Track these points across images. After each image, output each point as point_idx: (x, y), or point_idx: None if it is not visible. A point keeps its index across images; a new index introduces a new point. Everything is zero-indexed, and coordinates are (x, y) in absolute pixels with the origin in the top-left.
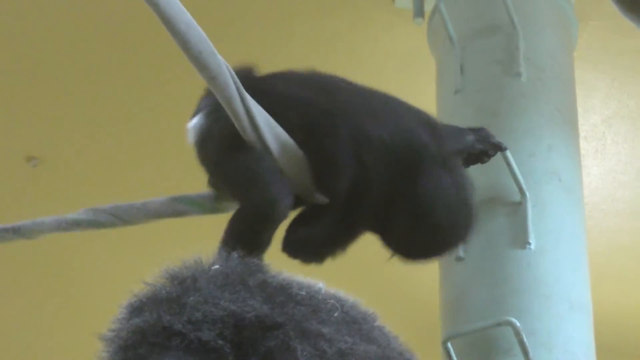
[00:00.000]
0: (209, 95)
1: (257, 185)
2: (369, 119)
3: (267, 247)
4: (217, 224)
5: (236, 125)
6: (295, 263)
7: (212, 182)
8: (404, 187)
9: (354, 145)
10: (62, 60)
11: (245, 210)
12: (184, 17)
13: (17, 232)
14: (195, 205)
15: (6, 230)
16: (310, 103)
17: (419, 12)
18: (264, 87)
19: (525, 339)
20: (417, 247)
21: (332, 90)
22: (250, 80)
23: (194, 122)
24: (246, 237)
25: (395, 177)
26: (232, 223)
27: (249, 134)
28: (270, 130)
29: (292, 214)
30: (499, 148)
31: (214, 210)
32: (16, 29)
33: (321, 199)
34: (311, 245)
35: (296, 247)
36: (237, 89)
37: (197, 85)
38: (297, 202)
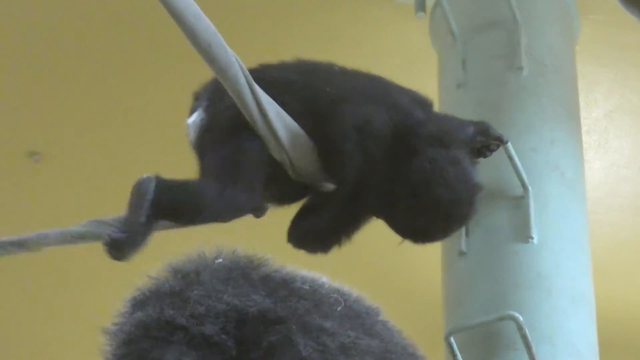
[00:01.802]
0: (204, 91)
1: (216, 179)
2: (368, 104)
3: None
4: (218, 228)
5: (246, 116)
6: (301, 254)
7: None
8: (401, 166)
9: (357, 131)
10: (65, 55)
11: (194, 192)
12: (193, 9)
13: (22, 246)
14: None
15: (12, 243)
16: (307, 87)
17: (420, 6)
18: (259, 75)
19: (527, 333)
20: (421, 228)
21: (327, 75)
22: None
23: (194, 118)
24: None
25: (395, 158)
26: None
27: (258, 125)
28: (280, 120)
29: (293, 208)
30: (500, 141)
31: None
32: (18, 25)
33: (328, 187)
34: (316, 234)
35: (301, 238)
36: (247, 80)
37: (200, 83)
38: (304, 191)
